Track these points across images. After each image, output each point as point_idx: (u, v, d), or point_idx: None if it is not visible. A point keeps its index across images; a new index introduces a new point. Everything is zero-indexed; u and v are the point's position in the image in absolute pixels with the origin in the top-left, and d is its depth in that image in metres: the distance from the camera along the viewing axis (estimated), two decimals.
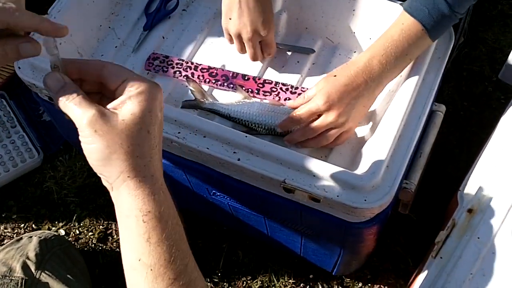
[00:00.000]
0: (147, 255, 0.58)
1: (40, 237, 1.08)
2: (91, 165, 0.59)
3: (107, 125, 0.56)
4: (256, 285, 1.34)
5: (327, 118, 0.92)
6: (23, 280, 0.98)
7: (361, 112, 0.95)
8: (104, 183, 0.61)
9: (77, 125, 0.58)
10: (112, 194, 0.61)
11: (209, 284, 1.35)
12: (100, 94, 0.63)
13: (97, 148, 0.57)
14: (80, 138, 0.58)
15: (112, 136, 0.56)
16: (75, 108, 0.57)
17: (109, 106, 0.59)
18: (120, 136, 0.56)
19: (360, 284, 1.33)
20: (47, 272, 1.01)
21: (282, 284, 1.34)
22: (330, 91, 0.92)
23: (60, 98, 0.58)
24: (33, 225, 1.44)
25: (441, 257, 0.84)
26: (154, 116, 0.59)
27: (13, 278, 0.99)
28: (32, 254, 1.02)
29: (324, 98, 0.92)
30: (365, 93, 0.92)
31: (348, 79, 0.92)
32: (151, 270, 0.59)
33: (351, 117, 0.93)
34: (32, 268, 1.01)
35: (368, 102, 0.95)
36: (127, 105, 0.58)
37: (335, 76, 0.93)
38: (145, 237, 0.58)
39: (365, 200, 0.84)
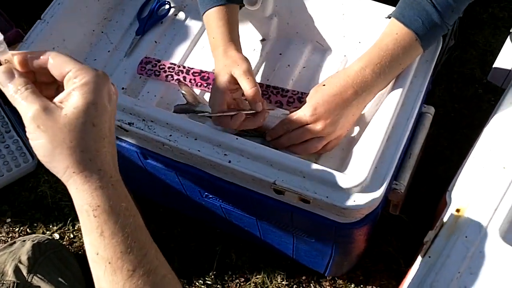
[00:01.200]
0: (103, 248, 0.58)
1: (33, 241, 1.08)
2: (40, 161, 0.59)
3: (50, 120, 0.56)
4: (249, 287, 1.35)
5: (314, 128, 0.92)
6: (15, 284, 0.98)
7: (349, 121, 0.95)
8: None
9: (23, 120, 0.58)
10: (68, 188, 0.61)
11: (202, 286, 1.36)
12: (57, 84, 0.63)
13: (41, 144, 0.57)
14: (27, 134, 0.58)
15: (54, 131, 0.56)
16: (21, 102, 0.57)
17: (56, 99, 0.59)
18: (62, 131, 0.56)
19: (352, 285, 1.34)
20: (39, 276, 1.01)
21: (275, 286, 1.35)
22: (317, 103, 0.92)
23: (10, 92, 0.58)
24: (28, 229, 1.45)
25: (429, 256, 0.85)
26: (100, 107, 0.58)
27: (4, 282, 0.99)
28: (24, 258, 1.02)
29: (311, 110, 0.92)
30: (354, 103, 0.92)
31: (337, 89, 0.91)
32: (109, 263, 0.59)
33: (339, 127, 0.93)
34: (24, 271, 1.01)
35: (357, 110, 0.95)
36: (71, 97, 0.58)
37: (324, 85, 0.93)
38: (98, 231, 0.58)
39: (354, 201, 0.85)
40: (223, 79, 0.94)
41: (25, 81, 0.58)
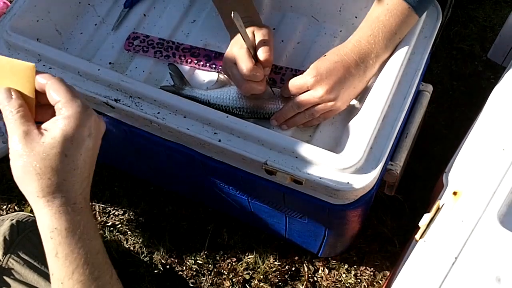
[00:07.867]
0: (57, 269, 0.63)
1: (12, 220, 1.05)
2: (15, 180, 0.63)
3: (27, 146, 0.61)
4: (241, 267, 1.33)
5: (315, 93, 0.90)
6: None
7: (350, 93, 0.92)
8: None
9: (9, 140, 0.63)
10: None
11: (193, 266, 1.33)
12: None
13: (16, 166, 0.61)
14: (9, 153, 0.63)
15: (29, 157, 0.61)
16: (10, 123, 0.63)
17: (43, 125, 0.63)
18: (35, 158, 0.61)
19: (346, 266, 1.32)
20: (14, 257, 0.99)
21: (268, 266, 1.32)
22: (319, 66, 0.90)
23: (5, 113, 0.64)
24: (16, 207, 1.42)
25: (425, 240, 0.83)
26: (76, 141, 0.63)
27: None
28: (0, 239, 1.00)
29: (312, 72, 0.89)
30: (355, 73, 0.90)
31: (338, 57, 0.90)
32: (61, 283, 0.63)
33: (340, 97, 0.91)
34: (0, 253, 0.99)
35: (358, 83, 0.92)
36: (54, 126, 0.62)
37: (325, 56, 0.92)
38: (53, 253, 0.63)
39: (348, 183, 0.82)
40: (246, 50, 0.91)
41: (19, 104, 0.63)
